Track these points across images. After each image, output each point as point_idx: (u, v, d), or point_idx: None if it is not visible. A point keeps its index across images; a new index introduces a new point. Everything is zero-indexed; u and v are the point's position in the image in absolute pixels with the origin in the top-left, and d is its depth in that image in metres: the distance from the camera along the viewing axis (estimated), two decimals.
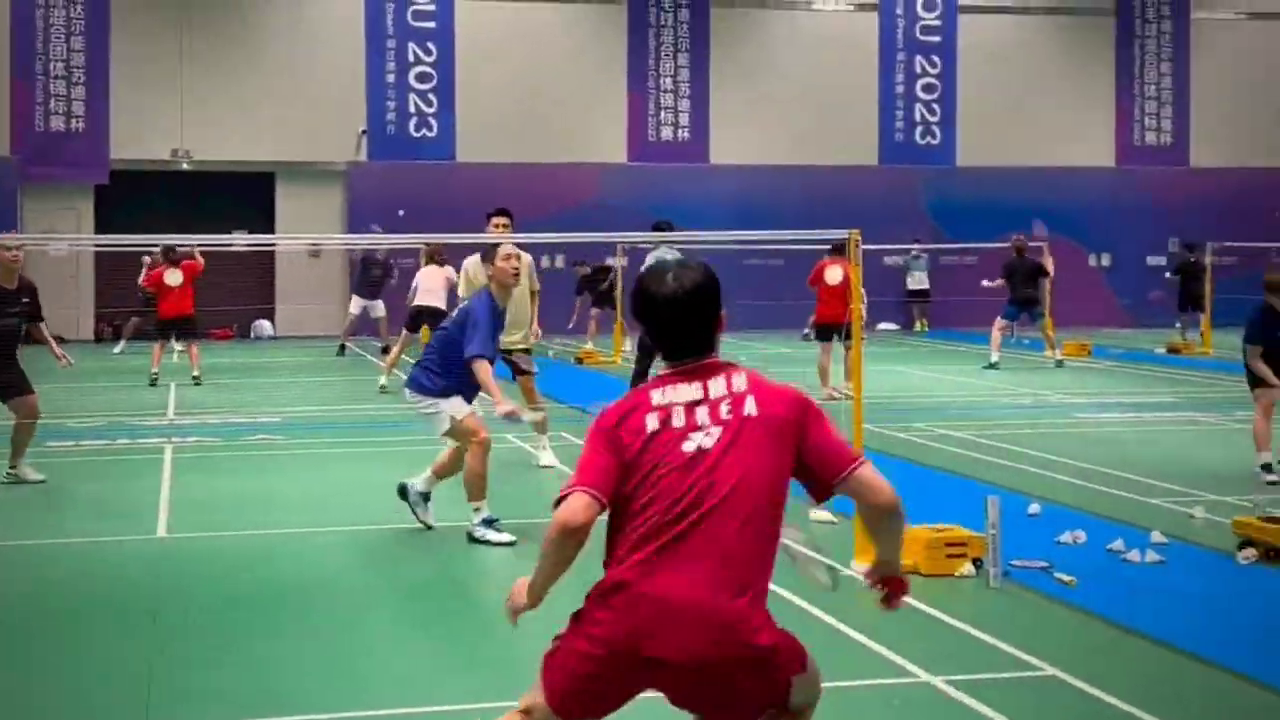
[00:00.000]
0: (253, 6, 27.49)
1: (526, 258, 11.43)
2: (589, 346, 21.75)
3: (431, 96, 27.76)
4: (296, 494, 10.19)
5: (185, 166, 27.26)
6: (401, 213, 26.40)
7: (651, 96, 28.87)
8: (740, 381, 3.64)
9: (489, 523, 8.53)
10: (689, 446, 3.53)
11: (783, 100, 29.38)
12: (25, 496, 10.22)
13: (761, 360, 21.70)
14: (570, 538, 3.52)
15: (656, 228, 14.74)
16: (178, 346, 19.16)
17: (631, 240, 20.60)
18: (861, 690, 5.80)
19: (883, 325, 26.93)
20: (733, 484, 3.51)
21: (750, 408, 3.59)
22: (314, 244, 26.54)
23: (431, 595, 7.55)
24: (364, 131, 27.46)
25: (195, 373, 17.93)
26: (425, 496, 8.87)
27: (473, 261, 11.35)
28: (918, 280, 28.25)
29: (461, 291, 11.50)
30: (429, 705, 5.61)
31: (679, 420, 3.56)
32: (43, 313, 11.05)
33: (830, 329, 15.94)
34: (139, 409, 15.42)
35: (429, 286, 16.74)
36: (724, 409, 3.57)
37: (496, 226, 11.52)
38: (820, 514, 8.99)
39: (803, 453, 3.62)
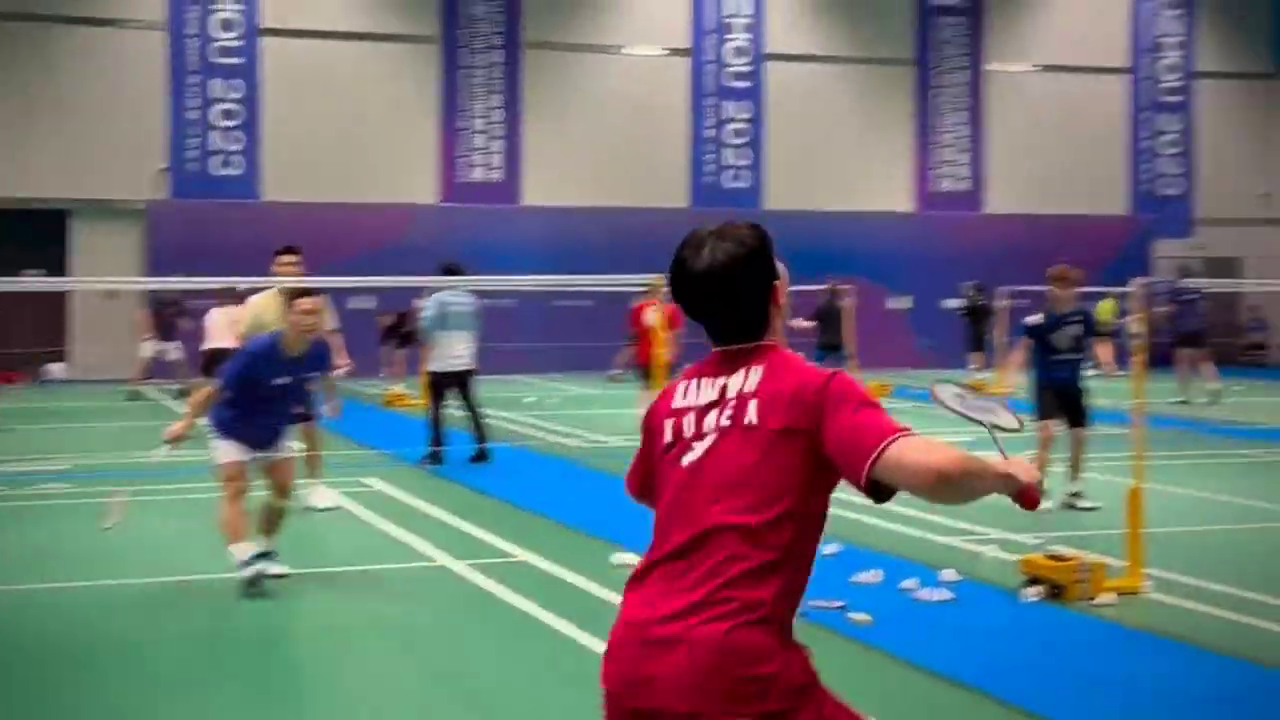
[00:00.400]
0: (49, 39, 26.61)
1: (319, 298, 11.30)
2: (398, 389, 21.49)
3: (237, 134, 27.25)
4: (84, 546, 9.81)
5: None
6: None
7: (463, 137, 28.83)
8: (754, 378, 3.06)
9: (261, 556, 8.32)
10: (688, 459, 3.06)
11: (595, 142, 29.58)
12: None
13: (571, 401, 21.73)
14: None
15: (445, 270, 14.60)
16: None
17: (425, 283, 20.39)
18: None
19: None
20: (713, 505, 2.97)
21: (751, 415, 3.03)
22: (109, 285, 25.69)
23: (225, 648, 7.33)
24: (165, 169, 26.79)
25: None
26: (264, 555, 8.64)
27: (261, 300, 11.09)
28: None
29: (244, 329, 11.10)
30: None
31: (689, 428, 3.09)
32: None
33: (646, 369, 16.08)
34: None
35: (220, 328, 16.37)
36: (726, 416, 3.05)
37: (285, 265, 11.29)
38: (622, 558, 9.00)
39: (826, 449, 2.98)
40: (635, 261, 19.69)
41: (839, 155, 30.77)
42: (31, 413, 19.84)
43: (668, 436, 3.11)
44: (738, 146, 30.39)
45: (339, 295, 25.31)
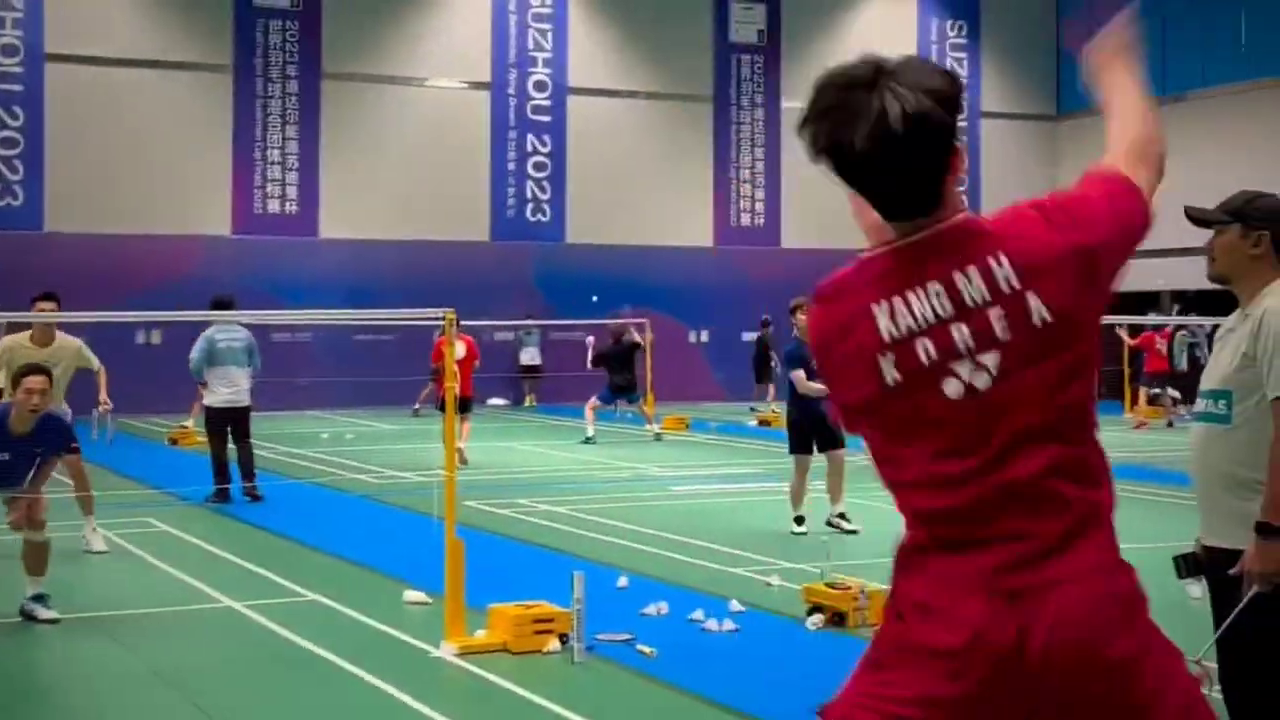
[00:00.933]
0: None
1: (73, 344, 11.07)
2: (188, 424, 20.91)
3: (16, 163, 26.30)
4: None
5: None
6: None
7: (258, 168, 28.30)
8: (1004, 266, 2.40)
9: (36, 599, 8.33)
10: (951, 389, 2.40)
11: (395, 174, 29.34)
12: None
13: (369, 437, 21.45)
14: None
15: (216, 305, 14.32)
16: None
17: (202, 318, 19.91)
18: None
19: (493, 400, 27.13)
20: (1033, 437, 2.37)
21: (1036, 308, 2.38)
22: None
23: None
24: None
25: None
26: (37, 598, 8.42)
27: (6, 340, 10.94)
28: (530, 355, 28.66)
29: None
30: None
31: (927, 353, 2.41)
32: None
33: (466, 401, 16.69)
34: None
35: None
36: (997, 322, 2.39)
37: (41, 310, 11.00)
38: (414, 595, 8.94)
39: (1109, 251, 2.46)
40: (436, 295, 19.58)
41: (640, 189, 31.11)
42: None
43: (891, 375, 2.42)
44: (539, 180, 30.49)
45: (125, 330, 24.59)
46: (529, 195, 30.43)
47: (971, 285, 2.40)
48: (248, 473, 13.85)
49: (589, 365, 21.27)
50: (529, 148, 30.45)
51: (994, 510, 2.38)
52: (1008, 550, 2.37)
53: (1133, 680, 2.36)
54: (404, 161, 29.39)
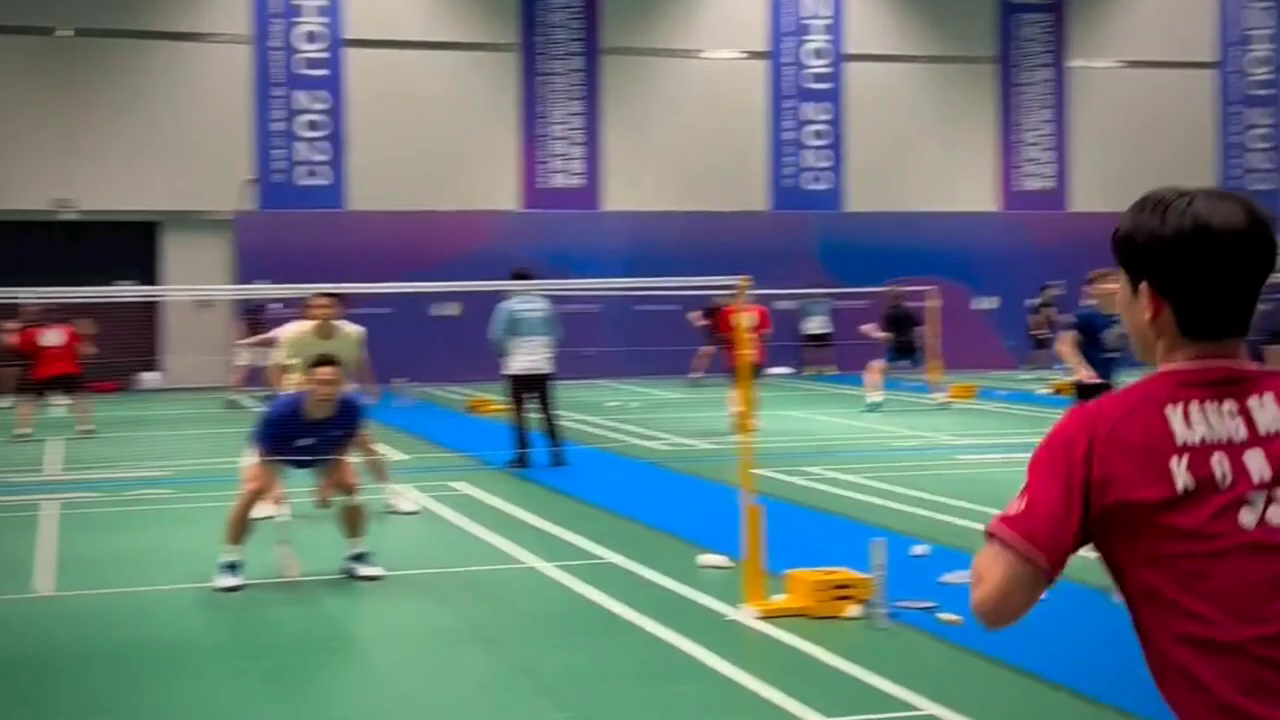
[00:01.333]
0: (136, 55, 27.16)
1: (354, 333, 11.51)
2: (482, 395, 21.65)
3: (322, 144, 27.64)
4: (184, 549, 10.02)
5: (69, 216, 26.77)
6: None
7: (543, 143, 29.01)
8: None
9: (229, 567, 8.66)
10: (1248, 520, 2.21)
11: (674, 146, 29.65)
12: None
13: (654, 405, 21.79)
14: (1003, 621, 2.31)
15: (516, 276, 14.75)
16: (62, 403, 18.78)
17: (501, 288, 20.53)
18: None
19: (774, 369, 27.17)
20: None
21: None
22: (201, 295, 26.15)
23: (321, 648, 7.49)
24: (253, 180, 27.23)
25: (88, 426, 17.64)
26: (357, 558, 8.89)
27: (293, 335, 11.40)
28: (817, 324, 28.54)
29: (281, 356, 11.41)
30: None
31: (1223, 473, 2.22)
32: None
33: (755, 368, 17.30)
34: (14, 465, 15.07)
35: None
36: None
37: (317, 308, 11.40)
38: (711, 559, 9.07)
39: None
40: (715, 265, 19.73)
41: (921, 155, 30.59)
42: (128, 420, 20.26)
43: (1182, 484, 2.21)
44: (818, 148, 30.31)
45: (422, 301, 25.65)
46: (807, 164, 30.29)
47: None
48: (553, 438, 14.21)
49: (871, 333, 21.05)
50: (807, 116, 30.30)
51: None
52: None
53: None
54: (683, 133, 29.65)
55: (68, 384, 18.01)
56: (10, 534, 10.74)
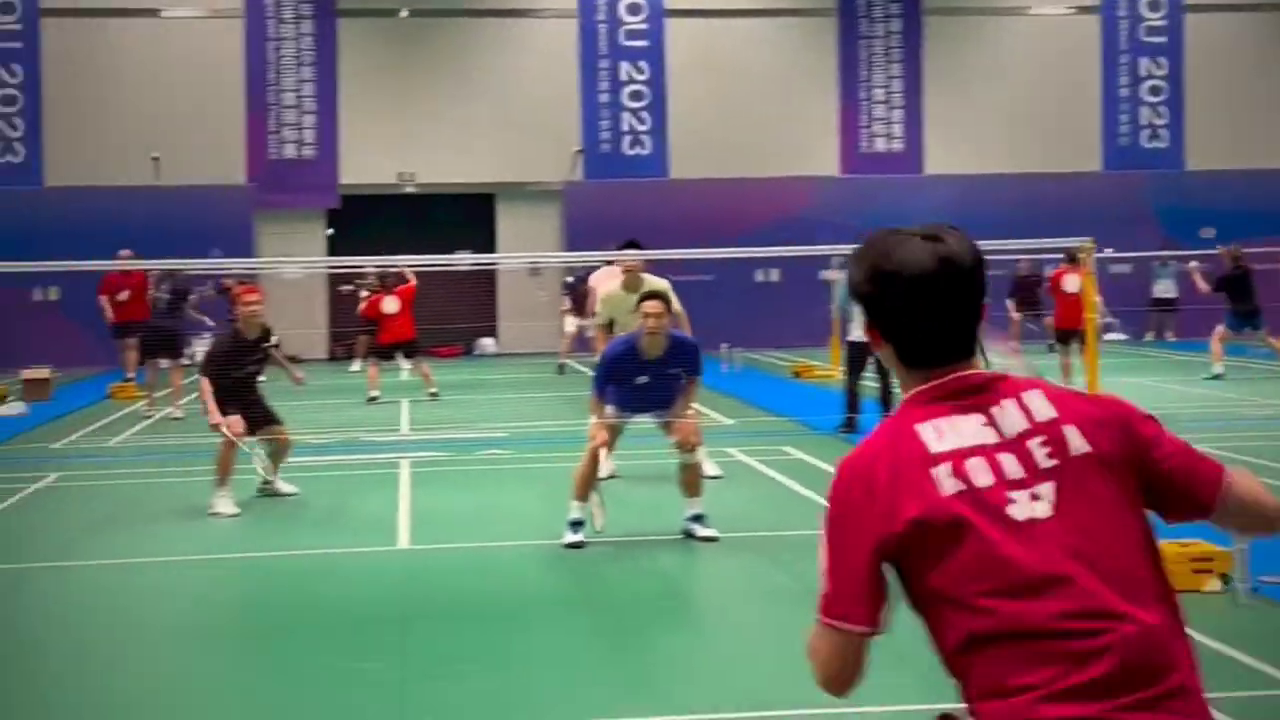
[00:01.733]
0: (469, 33, 28.24)
1: (663, 285, 11.47)
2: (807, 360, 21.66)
3: (644, 114, 28.10)
4: (527, 508, 10.41)
5: (410, 189, 28.13)
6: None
7: (863, 107, 28.69)
8: (1040, 403, 2.48)
9: (574, 524, 8.84)
10: (1018, 513, 2.39)
11: (999, 107, 28.84)
12: (276, 509, 10.69)
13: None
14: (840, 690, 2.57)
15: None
16: (405, 367, 19.77)
17: (841, 252, 20.44)
18: None
19: (1111, 335, 26.14)
20: (1101, 562, 2.37)
21: (1076, 441, 2.45)
22: (533, 262, 27.04)
23: (655, 607, 7.66)
24: (579, 151, 27.94)
25: (432, 389, 18.38)
26: (695, 518, 9.04)
27: (607, 293, 11.49)
28: (1164, 289, 27.30)
29: (598, 309, 11.60)
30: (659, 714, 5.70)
31: (983, 476, 2.41)
32: (274, 340, 11.39)
33: (1068, 334, 17.00)
34: (374, 425, 15.95)
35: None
36: (1039, 452, 2.44)
37: (625, 261, 11.48)
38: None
39: (1154, 478, 2.50)
40: (1046, 228, 19.18)
41: (1267, 108, 28.81)
42: (468, 384, 21.17)
43: (948, 486, 2.38)
44: (1154, 105, 28.92)
45: (744, 268, 25.80)
46: (1143, 121, 28.94)
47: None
48: (887, 406, 14.07)
49: (1208, 290, 19.98)
50: (1142, 71, 28.93)
51: None
52: None
53: None
54: (1009, 93, 28.81)
55: (407, 348, 18.93)
56: (373, 491, 11.39)
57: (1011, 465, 2.42)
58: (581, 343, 24.85)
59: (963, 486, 2.40)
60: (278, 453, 11.04)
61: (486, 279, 27.76)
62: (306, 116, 27.01)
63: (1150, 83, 28.89)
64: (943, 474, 2.40)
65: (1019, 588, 2.35)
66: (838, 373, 20.34)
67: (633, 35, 28.12)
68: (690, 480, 9.08)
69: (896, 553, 2.42)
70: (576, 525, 8.89)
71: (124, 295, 19.99)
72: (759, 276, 26.60)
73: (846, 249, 17.81)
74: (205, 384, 10.69)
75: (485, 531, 9.57)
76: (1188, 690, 2.41)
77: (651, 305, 8.95)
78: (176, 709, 5.84)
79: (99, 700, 5.98)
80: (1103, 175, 28.42)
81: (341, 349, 27.45)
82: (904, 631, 2.60)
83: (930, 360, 2.52)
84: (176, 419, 16.23)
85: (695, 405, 11.38)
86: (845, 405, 14.24)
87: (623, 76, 28.11)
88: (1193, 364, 20.67)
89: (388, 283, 18.97)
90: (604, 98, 28.08)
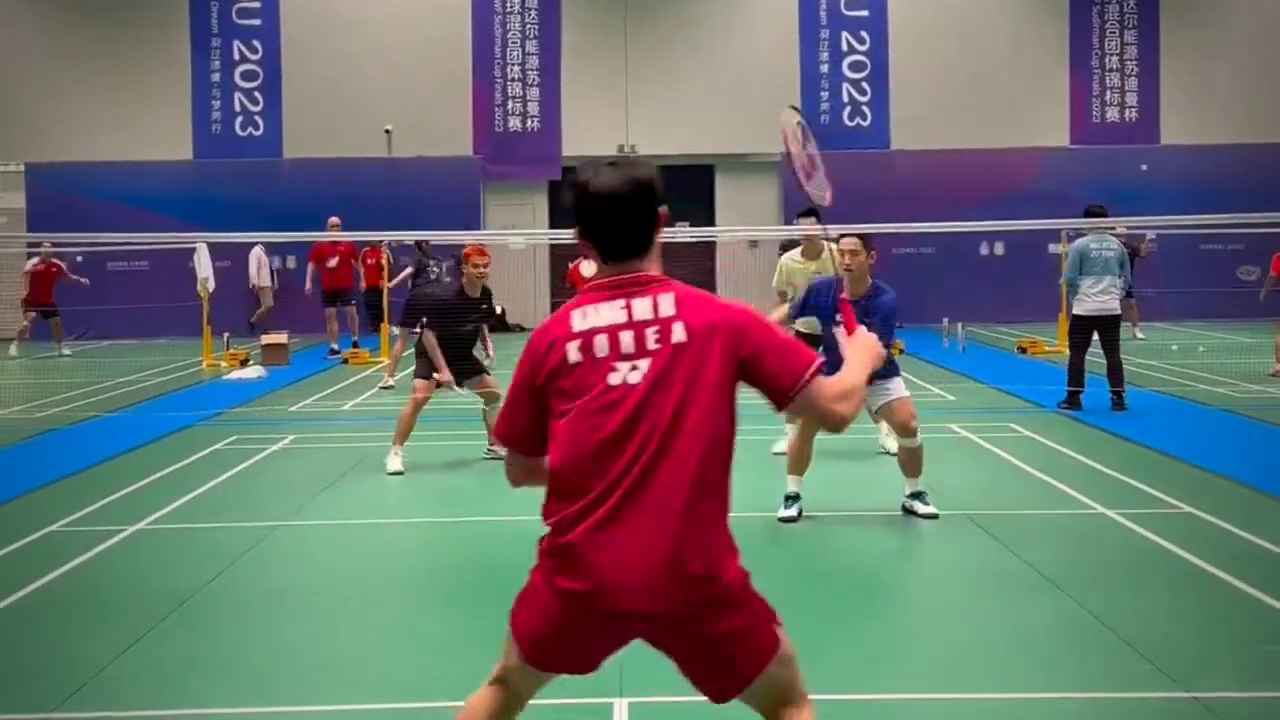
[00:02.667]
0: (690, 5, 28.24)
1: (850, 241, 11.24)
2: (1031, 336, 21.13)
3: (865, 85, 27.73)
4: (740, 481, 10.34)
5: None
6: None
7: (1096, 76, 27.76)
8: (667, 303, 3.36)
9: (791, 498, 8.86)
10: (614, 379, 3.31)
11: (1239, 74, 27.57)
12: (497, 473, 10.89)
13: (1228, 349, 20.41)
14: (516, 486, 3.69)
15: (1088, 213, 14.31)
16: None
17: (1072, 225, 19.83)
18: None
19: None
20: (665, 426, 3.26)
21: (679, 334, 3.33)
22: (752, 235, 26.98)
23: (878, 584, 7.55)
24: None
25: None
26: (915, 495, 8.96)
27: (785, 261, 11.49)
28: None
29: (778, 282, 11.52)
30: None
31: (601, 349, 3.34)
32: (499, 308, 11.68)
33: None
34: None
35: None
36: (650, 337, 3.33)
37: (807, 233, 11.48)
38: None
39: (748, 372, 3.37)
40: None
41: None
42: None
43: (574, 356, 3.34)
44: None
45: (969, 241, 25.27)
46: None
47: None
48: (1117, 379, 13.70)
49: None
50: None
51: None
52: None
53: None
54: (1250, 60, 27.55)
55: None
56: None
57: (627, 341, 3.34)
58: None
59: (582, 358, 3.34)
60: (491, 416, 11.24)
61: (707, 250, 27.82)
62: (531, 89, 27.43)
63: None
64: (572, 347, 3.37)
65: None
66: (1064, 348, 19.81)
67: (854, 5, 27.76)
68: (910, 460, 8.93)
69: (541, 397, 3.41)
70: (793, 499, 8.85)
71: (334, 262, 21.10)
72: (984, 250, 26.05)
73: (1075, 222, 17.42)
74: (431, 339, 11.01)
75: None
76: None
77: (848, 242, 8.79)
78: (399, 667, 6.00)
79: (320, 654, 6.19)
80: None
81: None
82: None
83: (609, 256, 3.46)
84: (388, 388, 16.62)
85: (914, 380, 11.23)
86: (1071, 379, 13.85)
87: (843, 47, 27.76)
88: None
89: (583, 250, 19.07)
90: (824, 69, 27.79)
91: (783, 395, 3.38)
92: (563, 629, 3.34)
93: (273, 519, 9.15)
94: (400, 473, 10.69)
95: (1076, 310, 13.89)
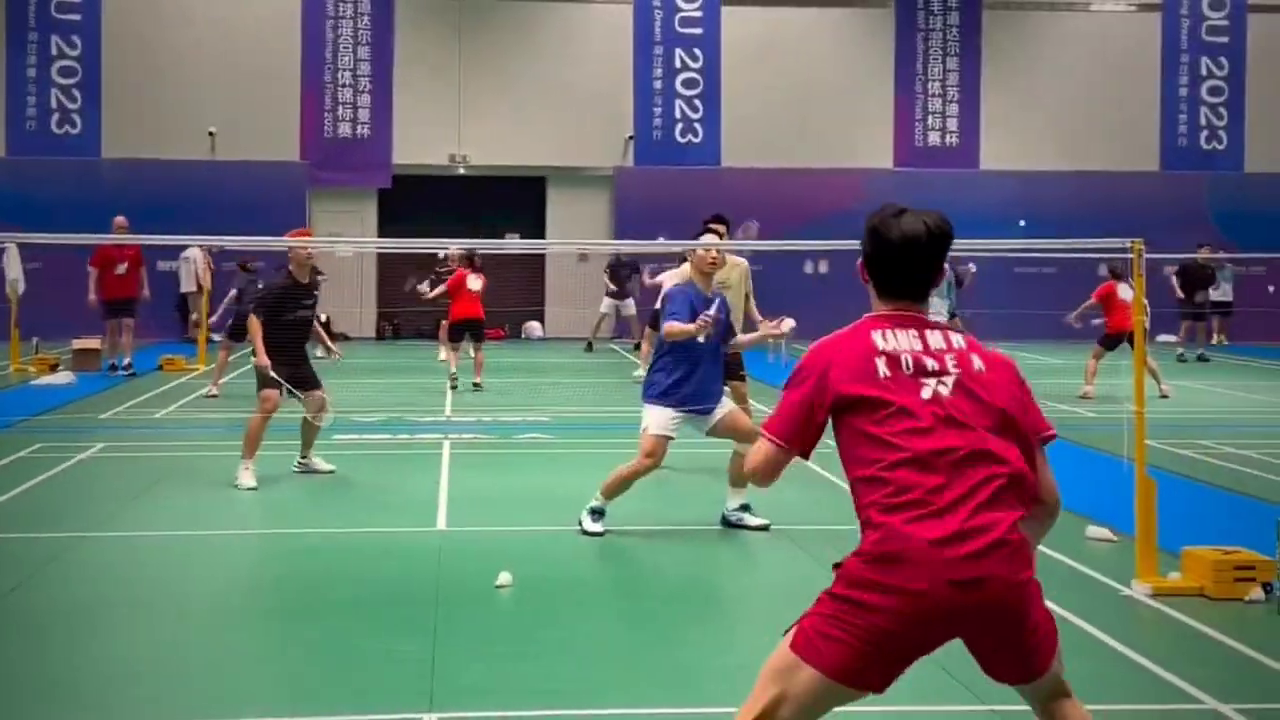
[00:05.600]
0: (526, 17, 28.22)
1: (742, 263, 11.38)
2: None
3: (697, 102, 28.02)
4: (566, 492, 10.38)
5: (462, 171, 28.18)
6: (1023, 223, 25.87)
7: (919, 100, 28.48)
8: (959, 340, 3.72)
9: (596, 513, 8.83)
10: (925, 393, 3.58)
11: (1057, 103, 28.57)
12: (314, 486, 10.74)
13: (1039, 371, 21.05)
14: (765, 484, 3.86)
15: None
16: (470, 350, 19.32)
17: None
18: (1147, 715, 5.60)
19: (1164, 337, 25.85)
20: (972, 437, 3.52)
21: (977, 363, 3.67)
22: (582, 248, 27.09)
23: (691, 595, 7.62)
24: (631, 137, 27.89)
25: (477, 379, 17.79)
26: (744, 507, 9.03)
27: (673, 275, 11.33)
28: (1222, 292, 26.91)
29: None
30: (697, 706, 5.67)
31: (907, 366, 3.62)
32: (324, 277, 11.39)
33: (1117, 339, 17.06)
34: (417, 406, 16.00)
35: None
36: (950, 360, 3.65)
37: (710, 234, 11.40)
38: (1098, 532, 8.73)
39: (1017, 413, 3.67)
40: (1102, 227, 18.90)
41: None
42: (514, 367, 21.19)
43: (883, 370, 3.62)
44: (1214, 105, 28.57)
45: (795, 258, 25.68)
46: (1203, 121, 28.60)
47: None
48: None
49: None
50: (1203, 70, 28.58)
51: None
52: None
53: None
54: (1066, 89, 28.57)
55: (476, 328, 18.20)
56: (414, 471, 11.42)
57: (929, 363, 3.64)
58: (622, 327, 24.92)
59: (890, 373, 3.62)
60: (311, 424, 10.99)
61: (536, 262, 27.79)
62: (362, 96, 27.10)
63: (1210, 83, 28.53)
64: (880, 363, 3.64)
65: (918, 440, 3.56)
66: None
67: (688, 22, 28.03)
68: (739, 469, 9.01)
69: (842, 407, 3.63)
70: (596, 513, 8.90)
71: (122, 268, 18.76)
72: (808, 268, 26.50)
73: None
74: (255, 324, 10.72)
75: (524, 516, 9.56)
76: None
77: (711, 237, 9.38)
78: (207, 683, 5.87)
79: (124, 671, 6.01)
80: (1157, 175, 28.14)
81: (389, 328, 27.61)
82: None
83: (895, 294, 3.79)
84: (213, 396, 16.24)
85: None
86: None
87: (677, 63, 28.03)
88: (1254, 369, 20.40)
89: (476, 262, 18.64)
90: (658, 84, 28.01)
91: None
92: (898, 636, 3.50)
93: (77, 529, 8.86)
94: (254, 488, 10.34)
95: None
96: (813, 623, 3.54)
